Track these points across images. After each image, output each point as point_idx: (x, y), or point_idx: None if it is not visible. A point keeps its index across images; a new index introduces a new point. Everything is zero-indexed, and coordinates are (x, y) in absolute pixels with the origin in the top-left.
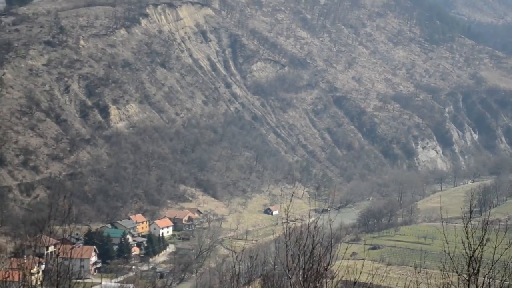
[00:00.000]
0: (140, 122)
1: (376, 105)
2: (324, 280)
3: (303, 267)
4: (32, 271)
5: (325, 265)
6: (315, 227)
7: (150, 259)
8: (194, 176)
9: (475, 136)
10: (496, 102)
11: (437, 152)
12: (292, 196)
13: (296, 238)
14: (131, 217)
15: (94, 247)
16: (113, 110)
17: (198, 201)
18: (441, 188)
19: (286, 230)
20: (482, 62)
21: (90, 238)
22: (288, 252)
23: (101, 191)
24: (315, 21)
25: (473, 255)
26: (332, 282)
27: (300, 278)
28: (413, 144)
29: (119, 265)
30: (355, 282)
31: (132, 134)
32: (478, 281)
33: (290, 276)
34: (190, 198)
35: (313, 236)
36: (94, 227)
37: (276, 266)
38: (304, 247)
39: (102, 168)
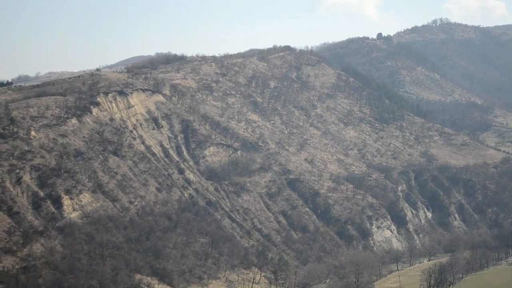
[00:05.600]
0: (94, 211)
1: (329, 186)
2: None
3: None
4: None
5: None
6: None
7: None
8: (150, 265)
9: (429, 214)
10: (448, 179)
11: (392, 232)
12: (253, 282)
13: None
14: None
15: None
16: (66, 201)
17: None
18: (397, 268)
19: None
20: (432, 139)
21: None
22: None
23: (56, 284)
24: (266, 104)
25: None
26: None
27: None
28: (368, 224)
29: None
30: None
31: (86, 224)
32: None
33: None
34: (146, 287)
35: None
36: None
37: None
38: None
39: (56, 260)
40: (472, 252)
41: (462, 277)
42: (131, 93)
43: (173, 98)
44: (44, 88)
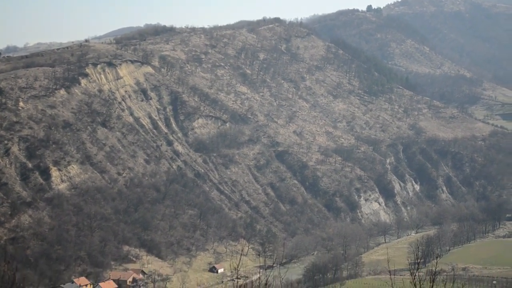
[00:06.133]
0: (82, 183)
1: (318, 159)
2: None
3: None
4: None
5: None
6: (266, 284)
7: None
8: (138, 236)
9: (417, 187)
10: (436, 152)
11: (379, 204)
12: (241, 254)
13: None
14: (74, 280)
15: None
16: (54, 172)
17: (142, 261)
18: (385, 240)
19: None
20: (420, 112)
21: None
22: None
23: (44, 255)
24: (255, 76)
25: None
26: None
27: None
28: (356, 196)
29: None
30: None
31: (74, 196)
32: None
33: None
34: (134, 259)
35: None
36: None
37: None
38: None
39: (44, 231)
40: (459, 224)
41: (449, 250)
42: (120, 64)
43: (162, 69)
44: (32, 59)
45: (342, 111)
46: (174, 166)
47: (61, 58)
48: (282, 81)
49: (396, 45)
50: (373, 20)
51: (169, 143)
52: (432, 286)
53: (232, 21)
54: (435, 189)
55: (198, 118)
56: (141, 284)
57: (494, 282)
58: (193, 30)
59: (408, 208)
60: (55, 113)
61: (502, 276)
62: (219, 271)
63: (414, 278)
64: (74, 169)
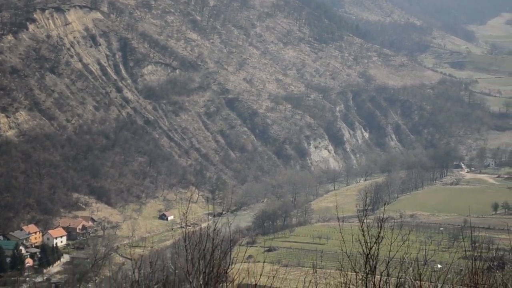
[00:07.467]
0: (30, 130)
1: (268, 106)
2: (225, 283)
3: (204, 270)
4: None
5: (225, 268)
6: (214, 230)
7: (44, 270)
8: (87, 184)
9: (366, 135)
10: (385, 100)
11: (329, 152)
12: (190, 201)
13: (195, 242)
14: (23, 227)
15: None
16: (2, 119)
17: (92, 209)
18: (334, 187)
19: (186, 234)
20: (370, 60)
21: None
22: (188, 256)
23: None
24: (205, 22)
25: (369, 253)
26: (233, 285)
27: (201, 282)
28: (306, 144)
29: (12, 278)
30: (255, 285)
31: (22, 143)
32: (375, 279)
33: (191, 280)
34: (83, 206)
35: (213, 240)
36: None
37: (176, 271)
38: (204, 250)
39: None
40: (408, 172)
41: (397, 197)
42: (69, 9)
43: (111, 15)
44: None
45: (292, 58)
46: (123, 113)
47: (8, 3)
48: (233, 28)
49: None
50: None
51: (119, 90)
52: (380, 233)
53: None
54: (384, 136)
55: (147, 65)
56: (90, 232)
57: (441, 228)
58: None
59: (357, 155)
60: (2, 59)
61: (449, 222)
62: (169, 218)
63: (362, 225)
64: (22, 115)
